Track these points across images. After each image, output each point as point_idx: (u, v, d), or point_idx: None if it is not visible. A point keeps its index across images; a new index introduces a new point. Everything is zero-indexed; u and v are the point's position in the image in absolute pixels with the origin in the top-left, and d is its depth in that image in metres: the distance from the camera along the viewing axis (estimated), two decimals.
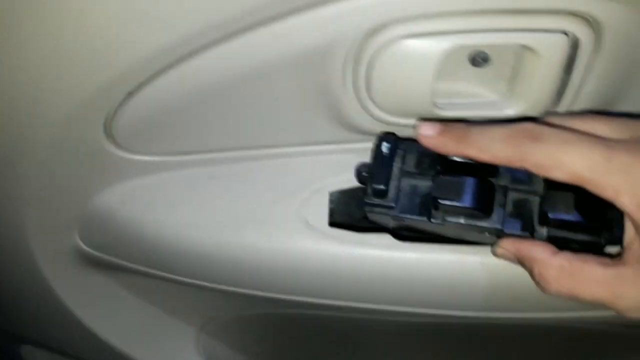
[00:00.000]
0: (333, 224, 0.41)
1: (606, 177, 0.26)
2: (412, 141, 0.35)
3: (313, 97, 0.36)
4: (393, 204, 0.35)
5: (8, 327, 0.61)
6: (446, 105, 0.36)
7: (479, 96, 0.37)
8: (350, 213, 0.42)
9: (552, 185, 0.32)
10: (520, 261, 0.32)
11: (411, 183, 0.35)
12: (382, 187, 0.34)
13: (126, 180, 0.42)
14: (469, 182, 0.32)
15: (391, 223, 0.38)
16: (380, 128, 0.38)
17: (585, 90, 0.35)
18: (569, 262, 0.29)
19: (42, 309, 0.52)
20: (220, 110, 0.36)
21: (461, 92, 0.37)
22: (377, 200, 0.35)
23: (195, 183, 0.41)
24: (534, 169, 0.28)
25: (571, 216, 0.31)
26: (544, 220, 0.32)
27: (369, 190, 0.35)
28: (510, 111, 0.36)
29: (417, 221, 0.35)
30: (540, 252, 0.30)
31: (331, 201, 0.41)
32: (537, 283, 0.31)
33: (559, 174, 0.27)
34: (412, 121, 0.37)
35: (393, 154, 0.35)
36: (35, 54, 0.32)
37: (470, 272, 0.39)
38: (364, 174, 0.37)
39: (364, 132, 0.39)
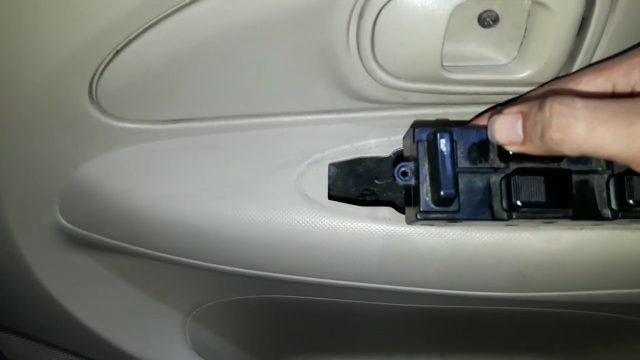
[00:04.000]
0: (332, 197, 0.39)
1: None
2: (453, 127, 0.32)
3: (312, 59, 0.34)
4: (457, 208, 0.31)
5: None
6: (454, 69, 0.34)
7: (489, 59, 0.35)
8: (351, 186, 0.40)
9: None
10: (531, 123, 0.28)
11: (465, 178, 0.32)
12: (451, 193, 0.30)
13: (111, 149, 0.39)
14: (549, 179, 0.30)
15: (437, 224, 0.35)
16: (384, 94, 0.36)
17: (597, 52, 0.34)
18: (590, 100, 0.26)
19: (19, 292, 0.49)
20: (211, 71, 0.34)
21: (470, 54, 0.35)
22: (439, 208, 0.31)
23: (186, 153, 0.39)
24: None
25: None
26: (623, 206, 0.31)
27: (426, 197, 0.31)
28: (520, 75, 0.34)
29: (477, 222, 0.32)
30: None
31: (330, 174, 0.39)
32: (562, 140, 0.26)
33: None
34: (418, 85, 0.35)
35: (453, 151, 0.31)
36: (13, 3, 0.29)
37: (475, 248, 0.37)
38: (406, 170, 0.33)
39: (365, 99, 0.37)
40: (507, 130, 0.29)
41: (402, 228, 0.37)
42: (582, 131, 0.25)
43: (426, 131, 0.32)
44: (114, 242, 0.43)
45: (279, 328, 0.61)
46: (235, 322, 0.59)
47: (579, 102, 0.26)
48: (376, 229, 0.38)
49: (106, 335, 0.52)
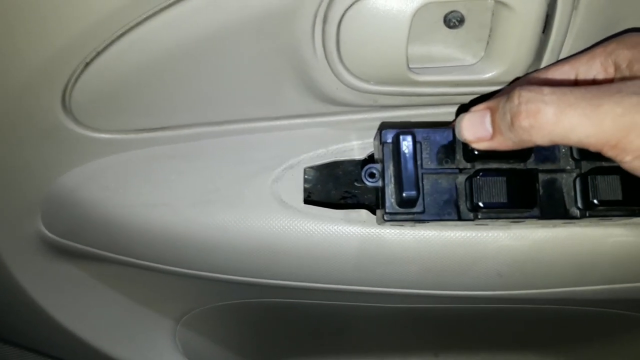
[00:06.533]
0: (308, 201, 0.39)
1: None
2: (419, 128, 0.32)
3: (282, 64, 0.34)
4: (422, 209, 0.31)
5: None
6: (422, 70, 0.35)
7: (456, 60, 0.35)
8: (331, 189, 0.40)
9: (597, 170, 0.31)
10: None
11: (431, 179, 0.32)
12: (413, 194, 0.31)
13: (88, 160, 0.40)
14: (511, 180, 0.30)
15: (406, 224, 0.36)
16: (354, 97, 0.36)
17: (564, 50, 0.34)
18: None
19: (6, 302, 0.49)
20: (181, 80, 0.34)
21: (438, 55, 0.35)
22: (403, 210, 0.31)
23: (161, 161, 0.39)
24: None
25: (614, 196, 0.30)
26: (589, 205, 0.31)
27: (391, 199, 0.31)
28: (488, 74, 0.34)
29: (444, 222, 0.32)
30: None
31: (306, 178, 0.40)
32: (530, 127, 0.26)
33: None
34: (386, 88, 0.35)
35: (415, 153, 0.31)
36: None
37: (451, 247, 0.37)
38: (373, 172, 0.33)
39: (337, 103, 0.37)
40: (475, 127, 0.29)
41: (376, 230, 0.37)
42: (551, 115, 0.25)
43: (392, 132, 0.33)
44: (96, 251, 0.43)
45: (269, 331, 0.61)
46: (226, 326, 0.59)
47: (546, 89, 0.26)
48: (351, 232, 0.38)
49: (96, 343, 0.52)
